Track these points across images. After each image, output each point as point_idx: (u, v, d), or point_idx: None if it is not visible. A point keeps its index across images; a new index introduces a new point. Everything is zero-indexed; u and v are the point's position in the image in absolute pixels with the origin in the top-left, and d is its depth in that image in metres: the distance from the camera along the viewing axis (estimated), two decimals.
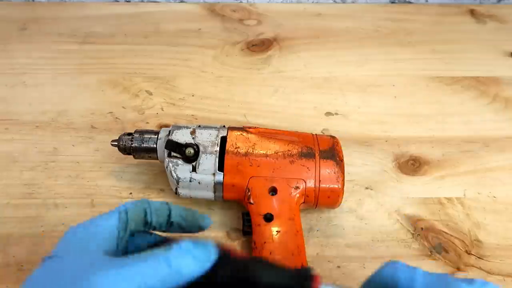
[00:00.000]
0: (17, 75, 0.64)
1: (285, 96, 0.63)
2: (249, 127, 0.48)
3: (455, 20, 0.78)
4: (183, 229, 0.35)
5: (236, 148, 0.45)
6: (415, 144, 0.57)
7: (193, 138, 0.46)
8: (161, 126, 0.58)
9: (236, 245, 0.47)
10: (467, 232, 0.48)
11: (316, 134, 0.48)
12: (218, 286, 0.27)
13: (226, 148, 0.45)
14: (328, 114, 0.61)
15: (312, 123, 0.59)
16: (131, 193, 0.51)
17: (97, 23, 0.74)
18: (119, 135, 0.49)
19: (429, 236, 0.48)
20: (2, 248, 0.46)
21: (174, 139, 0.45)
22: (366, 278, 0.30)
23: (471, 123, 0.60)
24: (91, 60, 0.67)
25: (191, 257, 0.26)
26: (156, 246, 0.28)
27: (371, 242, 0.48)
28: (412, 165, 0.55)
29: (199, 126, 0.47)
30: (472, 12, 0.79)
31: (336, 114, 0.61)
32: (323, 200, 0.45)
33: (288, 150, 0.45)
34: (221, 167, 0.44)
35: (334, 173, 0.44)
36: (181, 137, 0.46)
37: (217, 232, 0.48)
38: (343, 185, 0.45)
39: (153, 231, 0.34)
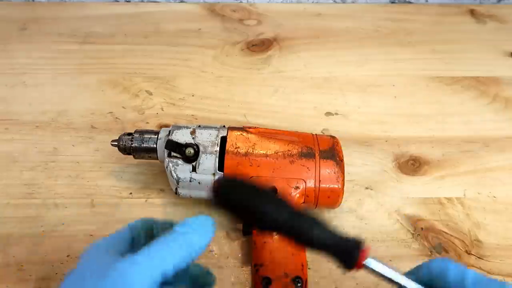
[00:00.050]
0: (17, 75, 0.64)
1: (285, 96, 0.63)
2: (249, 127, 0.48)
3: (455, 20, 0.78)
4: None
5: (236, 148, 0.45)
6: (415, 144, 0.57)
7: (193, 138, 0.46)
8: (161, 126, 0.58)
9: (236, 245, 0.47)
10: (467, 232, 0.49)
11: (316, 134, 0.48)
12: (272, 224, 0.29)
13: (226, 148, 0.45)
14: (328, 114, 0.61)
15: (312, 123, 0.59)
16: (131, 193, 0.51)
17: (97, 23, 0.74)
18: (119, 135, 0.49)
19: (429, 236, 0.48)
20: (2, 248, 0.46)
21: (174, 139, 0.45)
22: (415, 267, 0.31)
23: (471, 123, 0.60)
24: (91, 60, 0.67)
25: (194, 232, 0.30)
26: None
27: (371, 242, 0.48)
28: (412, 165, 0.55)
29: (199, 126, 0.47)
30: (472, 12, 0.79)
31: (336, 114, 0.61)
32: (323, 200, 0.45)
33: (288, 150, 0.45)
34: (221, 167, 0.44)
35: (334, 173, 0.44)
36: (181, 137, 0.46)
37: (217, 232, 0.48)
38: (343, 185, 0.45)
39: None
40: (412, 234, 0.48)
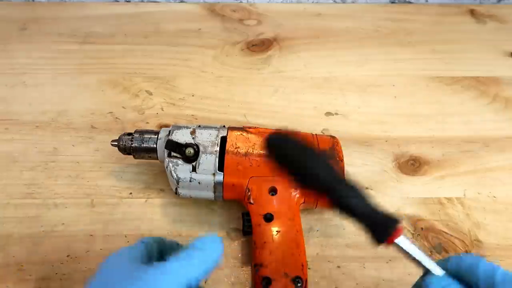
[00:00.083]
0: (17, 75, 0.64)
1: (285, 96, 0.63)
2: (249, 127, 0.48)
3: (455, 20, 0.78)
4: None
5: (236, 148, 0.45)
6: (415, 144, 0.57)
7: (193, 138, 0.46)
8: (161, 126, 0.58)
9: (236, 245, 0.47)
10: (467, 232, 0.49)
11: (316, 134, 0.48)
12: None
13: (226, 148, 0.45)
14: (328, 114, 0.61)
15: (312, 123, 0.59)
16: (131, 193, 0.51)
17: (97, 23, 0.74)
18: (119, 135, 0.49)
19: (429, 236, 0.48)
20: (2, 248, 0.46)
21: (174, 139, 0.45)
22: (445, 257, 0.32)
23: (471, 123, 0.60)
24: (91, 60, 0.67)
25: (210, 248, 0.32)
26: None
27: (371, 242, 0.48)
28: (412, 165, 0.55)
29: (199, 126, 0.47)
30: (472, 12, 0.79)
31: (336, 114, 0.61)
32: (323, 200, 0.45)
33: None
34: (221, 167, 0.44)
35: None
36: (181, 137, 0.46)
37: (217, 232, 0.48)
38: None
39: None
40: (412, 234, 0.48)
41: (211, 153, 0.45)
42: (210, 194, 0.46)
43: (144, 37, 0.72)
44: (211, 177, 0.44)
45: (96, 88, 0.63)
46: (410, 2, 0.81)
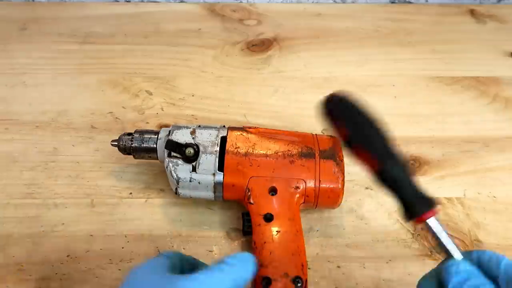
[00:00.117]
0: (17, 75, 0.64)
1: (285, 96, 0.63)
2: (249, 127, 0.48)
3: (455, 20, 0.78)
4: None
5: (236, 148, 0.45)
6: (415, 144, 0.57)
7: (193, 138, 0.46)
8: (161, 126, 0.58)
9: (236, 245, 0.47)
10: (467, 232, 0.49)
11: (316, 134, 0.48)
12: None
13: (226, 148, 0.45)
14: None
15: (312, 123, 0.59)
16: (131, 193, 0.51)
17: (97, 23, 0.74)
18: (119, 135, 0.49)
19: (429, 236, 0.48)
20: (2, 248, 0.46)
21: (174, 139, 0.45)
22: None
23: (471, 123, 0.60)
24: (91, 60, 0.67)
25: (241, 266, 0.33)
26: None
27: (371, 242, 0.48)
28: (412, 165, 0.55)
29: (199, 126, 0.47)
30: (472, 12, 0.79)
31: None
32: (323, 200, 0.45)
33: (288, 150, 0.45)
34: (221, 167, 0.44)
35: (334, 173, 0.44)
36: (181, 137, 0.46)
37: (217, 232, 0.48)
38: (343, 185, 0.45)
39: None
40: (412, 234, 0.48)
41: (211, 153, 0.45)
42: (210, 194, 0.46)
43: (144, 37, 0.72)
44: (211, 177, 0.44)
45: (96, 88, 0.63)
46: (410, 2, 0.81)
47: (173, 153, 0.45)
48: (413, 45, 0.72)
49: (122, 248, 0.47)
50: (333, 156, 0.45)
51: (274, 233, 0.42)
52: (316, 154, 0.45)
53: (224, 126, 0.48)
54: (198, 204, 0.50)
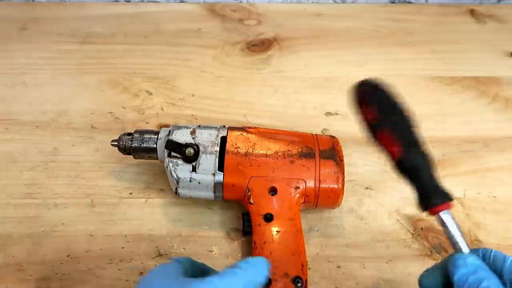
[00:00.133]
0: (17, 75, 0.64)
1: (285, 96, 0.63)
2: (249, 127, 0.48)
3: (455, 20, 0.78)
4: None
5: (236, 148, 0.45)
6: None
7: (193, 138, 0.46)
8: (161, 126, 0.58)
9: (236, 245, 0.47)
10: (467, 232, 0.48)
11: (316, 134, 0.48)
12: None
13: (226, 148, 0.45)
14: (328, 114, 0.61)
15: (312, 123, 0.59)
16: (131, 193, 0.51)
17: (97, 23, 0.74)
18: (119, 135, 0.49)
19: (429, 236, 0.48)
20: (2, 248, 0.46)
21: (174, 139, 0.45)
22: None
23: (471, 123, 0.60)
24: (91, 60, 0.67)
25: (254, 270, 0.33)
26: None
27: (371, 242, 0.48)
28: None
29: (199, 126, 0.47)
30: (472, 12, 0.79)
31: (336, 114, 0.61)
32: (323, 200, 0.45)
33: (288, 150, 0.45)
34: (221, 167, 0.44)
35: (334, 173, 0.44)
36: (181, 137, 0.46)
37: (217, 232, 0.48)
38: (343, 185, 0.45)
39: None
40: (412, 234, 0.48)
41: (211, 153, 0.45)
42: (210, 194, 0.46)
43: (144, 37, 0.72)
44: (211, 177, 0.44)
45: (96, 88, 0.63)
46: (410, 2, 0.81)
47: (173, 153, 0.45)
48: (413, 45, 0.72)
49: (122, 248, 0.47)
50: (333, 156, 0.45)
51: (274, 233, 0.42)
52: (316, 154, 0.45)
53: (224, 126, 0.48)
54: (198, 204, 0.50)
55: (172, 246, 0.47)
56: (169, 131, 0.47)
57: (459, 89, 0.65)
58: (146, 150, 0.48)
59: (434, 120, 0.61)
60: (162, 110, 0.60)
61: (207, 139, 0.45)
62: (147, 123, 0.58)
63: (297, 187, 0.44)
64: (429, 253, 0.47)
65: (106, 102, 0.61)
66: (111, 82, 0.64)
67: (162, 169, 0.50)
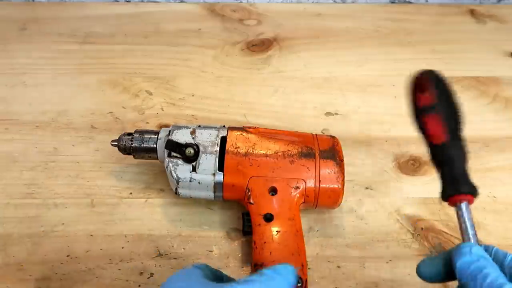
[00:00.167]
0: (17, 75, 0.64)
1: (285, 96, 0.63)
2: (249, 127, 0.48)
3: (455, 20, 0.78)
4: None
5: (236, 148, 0.45)
6: (415, 144, 0.57)
7: (193, 138, 0.46)
8: (161, 126, 0.58)
9: (236, 245, 0.47)
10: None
11: (316, 134, 0.48)
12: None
13: (226, 148, 0.45)
14: (328, 114, 0.61)
15: (312, 123, 0.59)
16: (131, 193, 0.51)
17: (97, 23, 0.74)
18: (119, 135, 0.49)
19: (429, 236, 0.48)
20: (2, 248, 0.46)
21: (174, 139, 0.45)
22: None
23: (471, 123, 0.59)
24: (91, 60, 0.67)
25: (281, 278, 0.32)
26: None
27: (371, 242, 0.48)
28: (412, 165, 0.55)
29: (199, 126, 0.47)
30: (472, 12, 0.79)
31: (336, 114, 0.61)
32: (323, 200, 0.45)
33: (288, 150, 0.45)
34: (221, 167, 0.44)
35: (334, 173, 0.44)
36: (181, 137, 0.46)
37: (217, 232, 0.48)
38: (343, 185, 0.45)
39: None
40: (412, 234, 0.48)
41: (211, 153, 0.45)
42: (210, 194, 0.46)
43: (144, 37, 0.72)
44: (211, 177, 0.44)
45: (96, 88, 0.63)
46: (410, 2, 0.81)
47: (173, 153, 0.45)
48: (413, 45, 0.72)
49: (122, 248, 0.47)
50: (333, 156, 0.45)
51: (274, 233, 0.42)
52: (316, 154, 0.45)
53: (224, 126, 0.48)
54: (198, 204, 0.50)
55: (172, 246, 0.47)
56: (169, 131, 0.47)
57: (459, 89, 0.65)
58: (146, 150, 0.48)
59: None
60: (162, 110, 0.60)
61: (207, 139, 0.45)
62: (147, 123, 0.58)
63: (297, 187, 0.44)
64: (429, 253, 0.47)
65: (106, 102, 0.61)
66: (111, 82, 0.64)
67: (162, 169, 0.50)
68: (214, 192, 0.45)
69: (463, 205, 0.34)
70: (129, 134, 0.49)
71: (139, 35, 0.72)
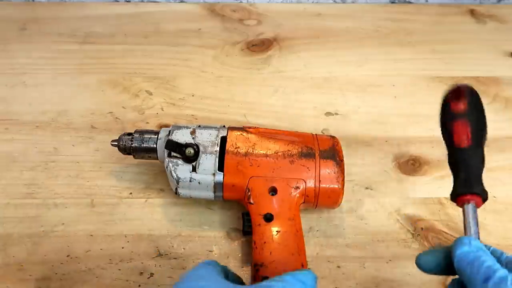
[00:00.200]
0: (17, 75, 0.64)
1: (285, 96, 0.63)
2: (249, 127, 0.48)
3: (455, 20, 0.78)
4: None
5: (236, 148, 0.45)
6: (415, 144, 0.57)
7: (193, 138, 0.46)
8: (161, 126, 0.58)
9: (236, 245, 0.47)
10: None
11: (316, 134, 0.48)
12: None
13: (226, 148, 0.45)
14: (328, 114, 0.61)
15: (312, 123, 0.59)
16: (131, 193, 0.51)
17: (97, 23, 0.74)
18: (119, 135, 0.49)
19: (429, 236, 0.48)
20: (2, 248, 0.46)
21: (174, 139, 0.45)
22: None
23: None
24: (91, 60, 0.67)
25: (301, 283, 0.32)
26: None
27: (371, 242, 0.48)
28: (412, 165, 0.55)
29: (199, 126, 0.47)
30: (472, 12, 0.79)
31: (336, 114, 0.61)
32: (323, 200, 0.45)
33: (288, 150, 0.45)
34: (221, 167, 0.44)
35: (334, 173, 0.44)
36: (181, 137, 0.46)
37: (217, 232, 0.48)
38: (343, 185, 0.45)
39: None
40: (412, 234, 0.48)
41: (211, 153, 0.45)
42: (210, 194, 0.46)
43: (144, 37, 0.72)
44: (211, 177, 0.44)
45: (96, 88, 0.63)
46: (410, 2, 0.81)
47: (173, 153, 0.45)
48: (413, 45, 0.72)
49: (122, 248, 0.47)
50: (333, 156, 0.45)
51: (274, 233, 0.42)
52: (316, 154, 0.45)
53: (224, 126, 0.48)
54: (198, 204, 0.50)
55: (172, 246, 0.47)
56: (169, 131, 0.47)
57: None
58: (146, 150, 0.48)
59: (434, 120, 0.60)
60: (162, 110, 0.60)
61: (207, 139, 0.45)
62: (147, 123, 0.58)
63: (297, 187, 0.44)
64: None
65: (106, 102, 0.61)
66: (111, 82, 0.64)
67: (162, 169, 0.50)
68: (214, 192, 0.45)
69: (470, 206, 0.35)
70: (129, 134, 0.49)
71: (139, 35, 0.72)
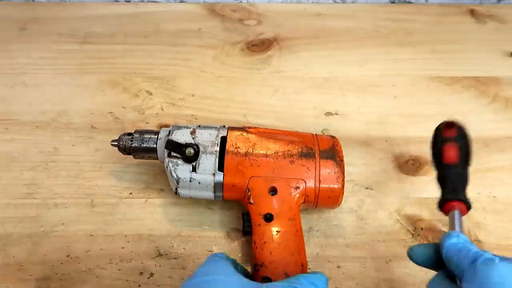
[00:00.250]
0: (17, 75, 0.64)
1: (285, 96, 0.63)
2: (249, 127, 0.48)
3: (455, 20, 0.78)
4: None
5: (236, 148, 0.45)
6: (415, 144, 0.57)
7: (193, 138, 0.46)
8: (161, 126, 0.58)
9: (236, 245, 0.47)
10: (467, 232, 0.48)
11: (316, 134, 0.48)
12: None
13: (226, 148, 0.45)
14: (328, 114, 0.61)
15: (312, 123, 0.59)
16: (131, 193, 0.51)
17: (97, 23, 0.74)
18: (119, 135, 0.49)
19: (429, 236, 0.48)
20: (2, 248, 0.46)
21: (174, 139, 0.45)
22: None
23: (471, 123, 0.60)
24: (91, 60, 0.67)
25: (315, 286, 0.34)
26: None
27: (371, 242, 0.48)
28: (412, 165, 0.55)
29: (199, 126, 0.47)
30: (472, 12, 0.79)
31: (336, 114, 0.61)
32: (323, 200, 0.45)
33: (288, 150, 0.45)
34: (221, 167, 0.44)
35: (334, 173, 0.44)
36: (181, 137, 0.46)
37: (217, 232, 0.48)
38: (343, 185, 0.45)
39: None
40: (412, 234, 0.48)
41: (211, 153, 0.45)
42: (210, 194, 0.46)
43: (144, 37, 0.72)
44: (211, 177, 0.44)
45: (96, 88, 0.63)
46: (410, 2, 0.81)
47: (173, 153, 0.45)
48: (413, 45, 0.72)
49: (122, 248, 0.47)
50: (333, 156, 0.45)
51: (274, 233, 0.42)
52: (316, 154, 0.45)
53: (224, 126, 0.48)
54: (198, 204, 0.50)
55: (172, 246, 0.47)
56: (169, 131, 0.47)
57: (459, 89, 0.65)
58: (146, 150, 0.48)
59: (434, 120, 0.60)
60: (162, 110, 0.60)
61: (207, 139, 0.45)
62: (147, 123, 0.58)
63: (297, 187, 0.44)
64: None
65: (106, 102, 0.61)
66: (111, 82, 0.64)
67: (162, 169, 0.50)
68: (214, 192, 0.45)
69: (456, 213, 0.39)
70: (129, 134, 0.49)
71: (139, 35, 0.72)
